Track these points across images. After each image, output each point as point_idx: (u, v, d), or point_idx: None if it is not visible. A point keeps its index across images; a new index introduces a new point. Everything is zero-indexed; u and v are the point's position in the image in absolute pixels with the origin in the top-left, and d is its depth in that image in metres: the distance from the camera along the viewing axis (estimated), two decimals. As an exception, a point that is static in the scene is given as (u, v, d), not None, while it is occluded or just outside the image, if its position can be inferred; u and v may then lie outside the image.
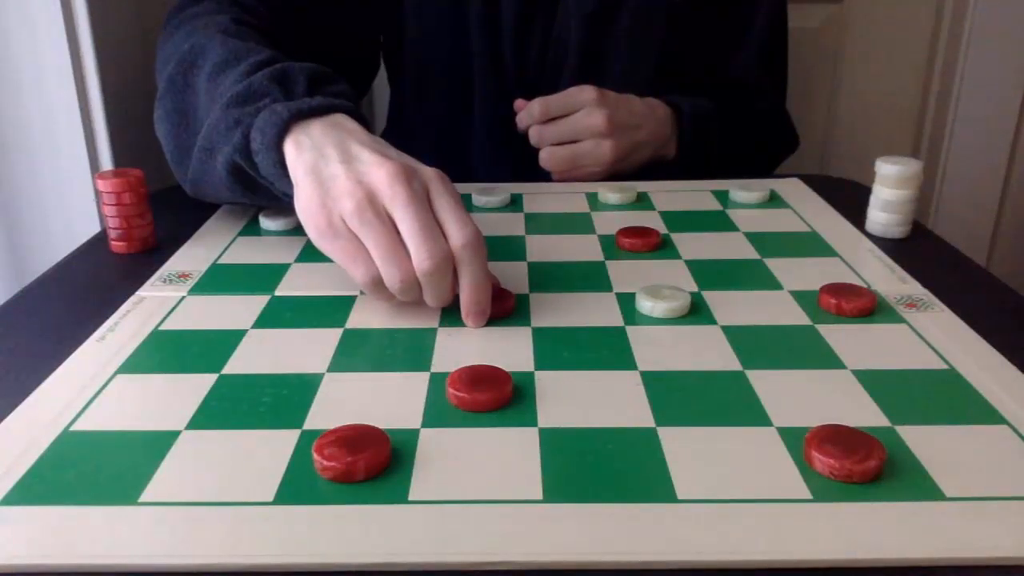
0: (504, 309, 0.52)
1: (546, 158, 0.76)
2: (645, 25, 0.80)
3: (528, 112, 0.76)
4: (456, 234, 0.48)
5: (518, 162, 0.82)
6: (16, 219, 0.84)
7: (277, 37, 0.68)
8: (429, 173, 0.50)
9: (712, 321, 0.51)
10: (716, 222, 0.68)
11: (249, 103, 0.55)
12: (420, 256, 0.47)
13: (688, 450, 0.38)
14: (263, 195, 0.58)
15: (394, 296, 0.49)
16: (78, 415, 0.42)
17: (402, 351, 0.48)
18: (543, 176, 0.79)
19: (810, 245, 0.63)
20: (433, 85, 0.85)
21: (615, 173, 0.76)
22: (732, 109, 0.83)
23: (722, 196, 0.73)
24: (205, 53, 0.61)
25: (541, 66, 0.82)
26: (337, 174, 0.49)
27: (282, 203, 0.56)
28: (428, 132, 0.89)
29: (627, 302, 0.53)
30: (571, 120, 0.74)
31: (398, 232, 0.48)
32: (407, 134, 0.90)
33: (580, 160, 0.75)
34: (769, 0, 0.86)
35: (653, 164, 0.79)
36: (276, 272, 0.59)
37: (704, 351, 0.47)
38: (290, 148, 0.52)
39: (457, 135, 0.86)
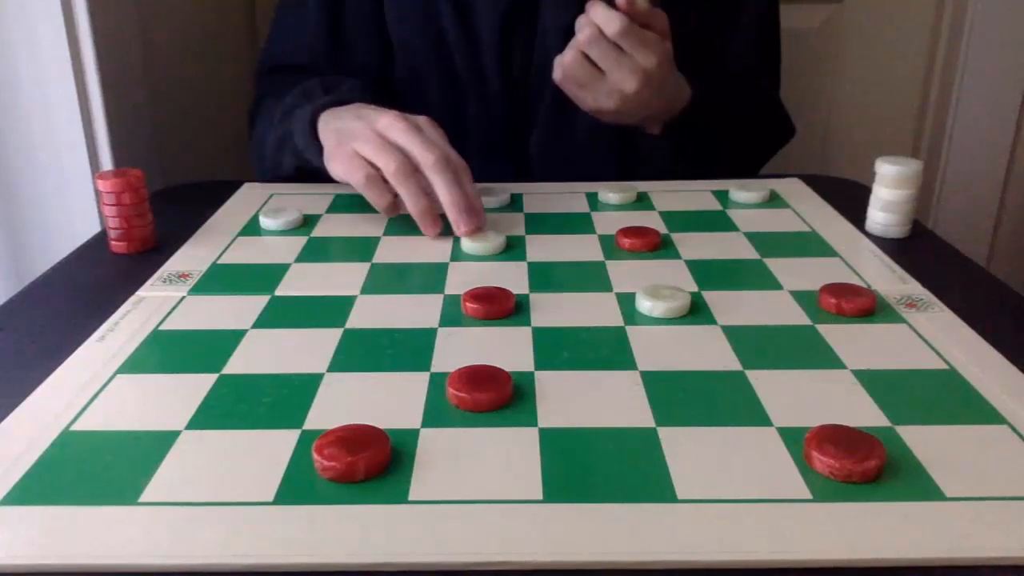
0: (504, 309, 0.52)
1: (570, 62, 0.71)
2: None
3: (608, 19, 0.68)
4: (422, 155, 0.62)
5: (517, 163, 0.83)
6: (16, 219, 0.84)
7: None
8: (421, 119, 0.66)
9: (712, 321, 0.51)
10: (716, 222, 0.68)
11: (287, 119, 0.75)
12: (414, 150, 0.62)
13: (688, 450, 0.38)
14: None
15: (389, 195, 0.64)
16: (78, 415, 0.42)
17: (402, 351, 0.48)
18: (543, 176, 0.79)
19: (810, 245, 0.63)
20: (424, 96, 0.85)
21: (593, 111, 0.74)
22: (727, 96, 0.82)
23: (722, 196, 0.73)
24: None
25: (526, 77, 0.82)
26: (352, 126, 0.65)
27: None
28: None
29: (627, 302, 0.53)
30: (616, 59, 0.70)
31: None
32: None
33: (588, 88, 0.72)
34: (760, 14, 0.86)
35: (631, 130, 0.78)
36: (276, 272, 0.59)
37: (704, 351, 0.47)
38: (321, 131, 0.69)
39: (456, 138, 0.87)
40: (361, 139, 0.63)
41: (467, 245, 0.62)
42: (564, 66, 0.72)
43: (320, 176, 0.70)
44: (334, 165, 0.66)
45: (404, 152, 0.62)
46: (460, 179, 0.63)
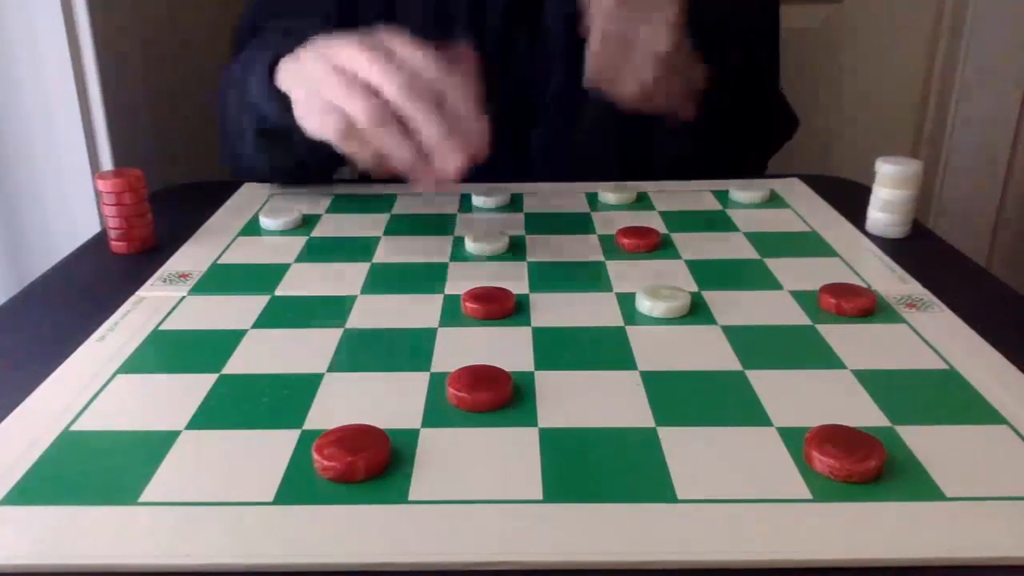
0: (504, 309, 0.52)
1: (594, 55, 0.68)
2: None
3: None
4: (386, 89, 0.52)
5: (519, 161, 0.82)
6: (16, 219, 0.84)
7: None
8: (392, 39, 0.55)
9: (712, 321, 0.51)
10: (716, 222, 0.68)
11: (246, 80, 0.65)
12: (384, 84, 0.52)
13: (688, 450, 0.38)
14: (291, 147, 0.64)
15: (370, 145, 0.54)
16: (78, 415, 0.42)
17: (402, 351, 0.48)
18: (545, 174, 0.79)
19: (810, 245, 0.63)
20: None
21: (637, 96, 0.70)
22: (732, 85, 0.82)
23: (722, 196, 0.73)
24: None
25: (530, 64, 0.82)
26: (314, 68, 0.55)
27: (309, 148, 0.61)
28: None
29: (627, 302, 0.53)
30: (640, 18, 0.67)
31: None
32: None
33: (622, 74, 0.68)
34: (761, 6, 0.86)
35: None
36: (276, 272, 0.59)
37: (704, 351, 0.47)
38: (284, 82, 0.61)
39: None
40: (325, 83, 0.54)
41: (470, 246, 0.62)
42: (592, 57, 0.69)
43: (285, 141, 0.63)
44: (306, 121, 0.57)
45: (375, 90, 0.53)
46: (443, 100, 0.53)
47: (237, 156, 0.73)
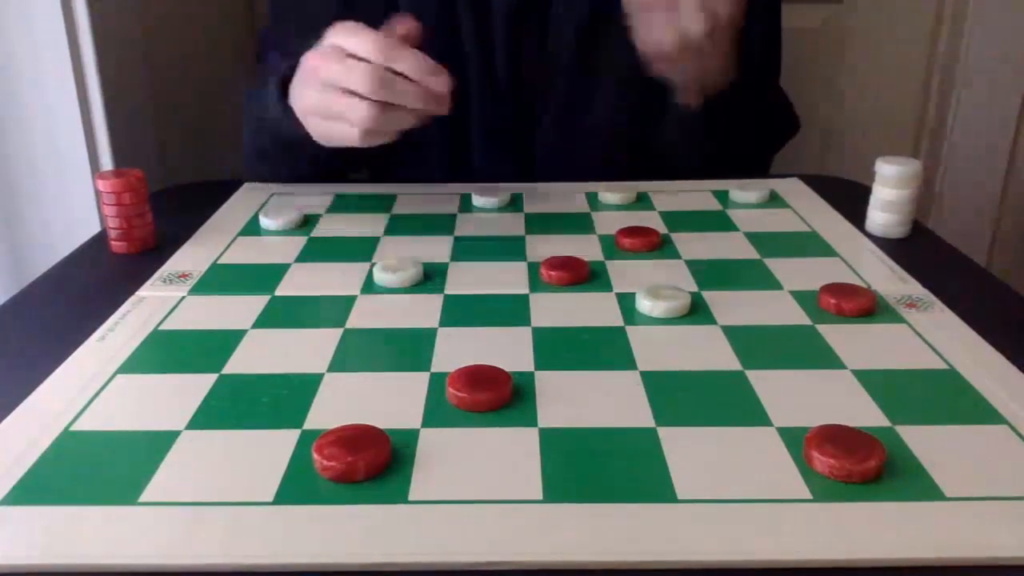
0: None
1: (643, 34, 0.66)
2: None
3: None
4: (363, 50, 0.58)
5: (518, 163, 0.82)
6: (16, 219, 0.84)
7: None
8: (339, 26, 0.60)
9: (712, 321, 0.51)
10: (716, 222, 0.68)
11: (262, 89, 0.70)
12: (360, 47, 0.58)
13: (688, 450, 0.38)
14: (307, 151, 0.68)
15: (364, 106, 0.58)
16: (78, 415, 0.42)
17: (402, 351, 0.48)
18: (543, 176, 0.79)
19: (810, 245, 0.63)
20: None
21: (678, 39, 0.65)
22: (742, 89, 0.81)
23: (722, 196, 0.73)
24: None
25: (535, 73, 0.82)
26: (306, 65, 0.61)
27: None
28: (430, 133, 0.89)
29: (627, 302, 0.53)
30: None
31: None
32: (411, 134, 0.90)
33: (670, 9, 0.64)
34: (764, 2, 0.86)
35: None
36: (276, 272, 0.59)
37: (704, 351, 0.47)
38: (291, 97, 0.66)
39: (458, 138, 0.87)
40: (321, 68, 0.60)
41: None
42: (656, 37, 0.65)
43: (302, 149, 0.68)
44: (320, 136, 0.64)
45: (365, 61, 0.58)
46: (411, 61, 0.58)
47: (261, 172, 0.78)
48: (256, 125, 0.75)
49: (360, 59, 0.58)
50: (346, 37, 0.59)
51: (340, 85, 0.59)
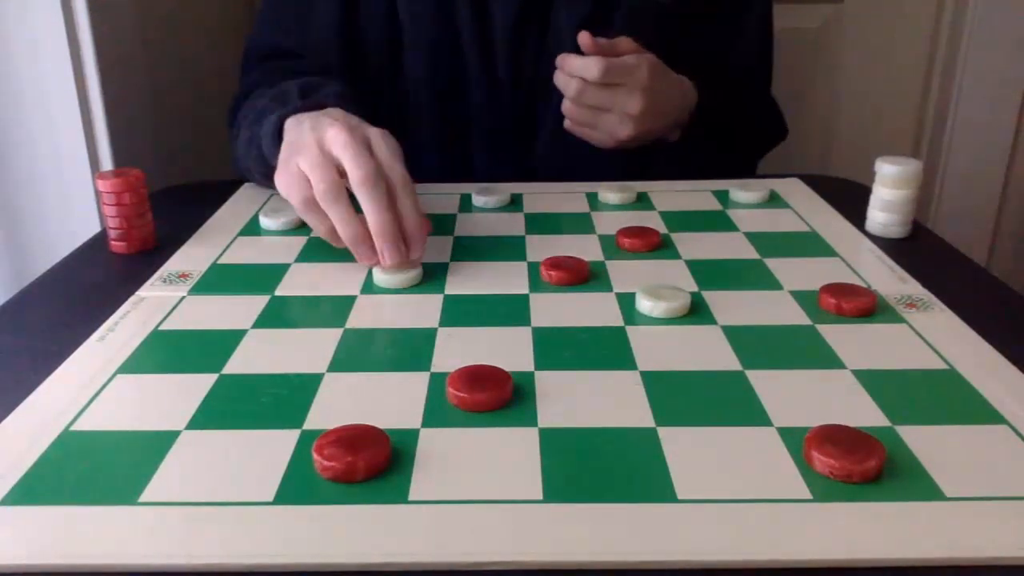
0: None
1: (570, 109, 0.75)
2: (636, 30, 0.80)
3: (584, 67, 0.72)
4: (350, 171, 0.55)
5: (518, 164, 0.82)
6: (16, 219, 0.84)
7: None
8: (374, 131, 0.59)
9: (712, 321, 0.51)
10: (716, 222, 0.68)
11: (259, 123, 0.68)
12: (345, 166, 0.55)
13: (688, 450, 0.38)
14: None
15: (328, 221, 0.57)
16: (78, 415, 0.42)
17: (402, 351, 0.48)
18: (543, 176, 0.79)
19: (810, 245, 0.63)
20: (433, 94, 0.85)
21: (616, 145, 0.75)
22: (732, 101, 0.82)
23: (722, 196, 0.73)
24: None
25: (535, 76, 0.82)
26: (303, 139, 0.59)
27: None
28: (430, 135, 0.89)
29: (627, 302, 0.53)
30: (610, 93, 0.73)
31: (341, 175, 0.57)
32: (411, 135, 0.90)
33: (599, 126, 0.75)
34: (757, 12, 0.86)
35: (650, 145, 0.78)
36: (276, 272, 0.59)
37: (704, 351, 0.47)
38: (285, 137, 0.62)
39: (458, 139, 0.87)
40: (304, 153, 0.57)
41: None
42: (569, 113, 0.75)
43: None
44: (278, 181, 0.60)
45: (343, 171, 0.57)
46: (395, 199, 0.56)
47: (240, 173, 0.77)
48: (243, 151, 0.72)
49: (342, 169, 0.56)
50: (379, 137, 0.58)
51: (336, 156, 0.57)
